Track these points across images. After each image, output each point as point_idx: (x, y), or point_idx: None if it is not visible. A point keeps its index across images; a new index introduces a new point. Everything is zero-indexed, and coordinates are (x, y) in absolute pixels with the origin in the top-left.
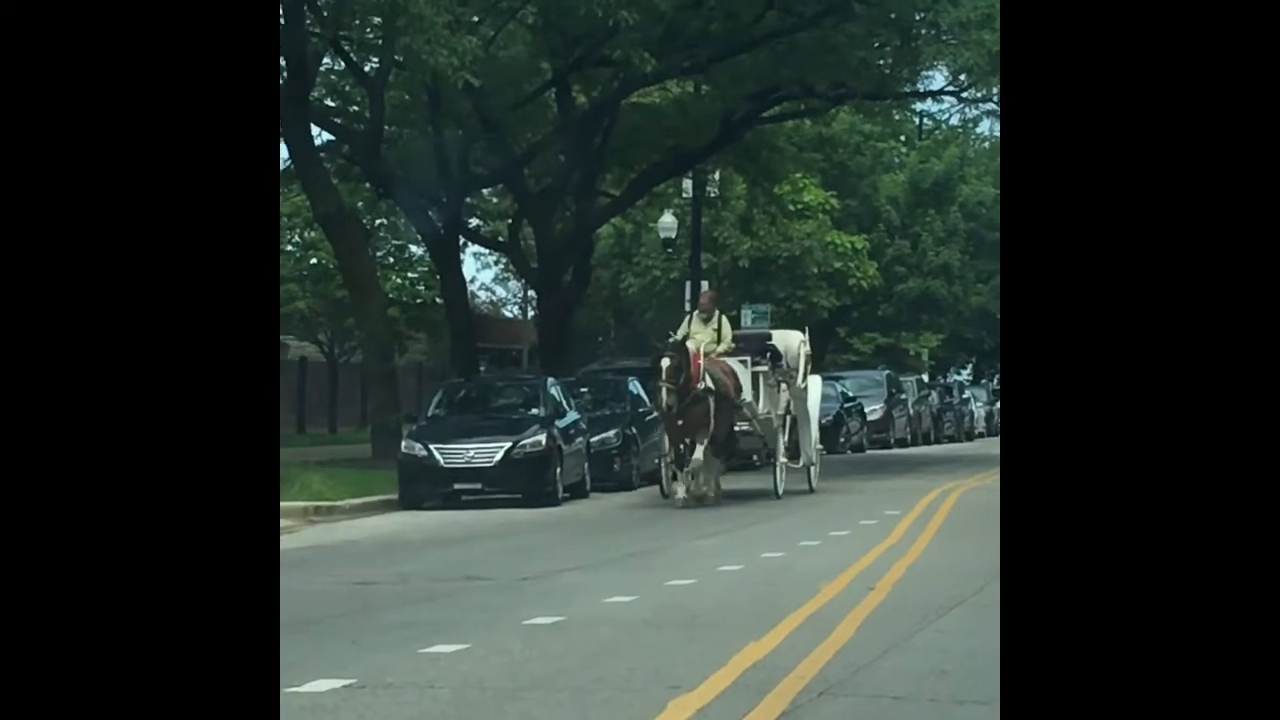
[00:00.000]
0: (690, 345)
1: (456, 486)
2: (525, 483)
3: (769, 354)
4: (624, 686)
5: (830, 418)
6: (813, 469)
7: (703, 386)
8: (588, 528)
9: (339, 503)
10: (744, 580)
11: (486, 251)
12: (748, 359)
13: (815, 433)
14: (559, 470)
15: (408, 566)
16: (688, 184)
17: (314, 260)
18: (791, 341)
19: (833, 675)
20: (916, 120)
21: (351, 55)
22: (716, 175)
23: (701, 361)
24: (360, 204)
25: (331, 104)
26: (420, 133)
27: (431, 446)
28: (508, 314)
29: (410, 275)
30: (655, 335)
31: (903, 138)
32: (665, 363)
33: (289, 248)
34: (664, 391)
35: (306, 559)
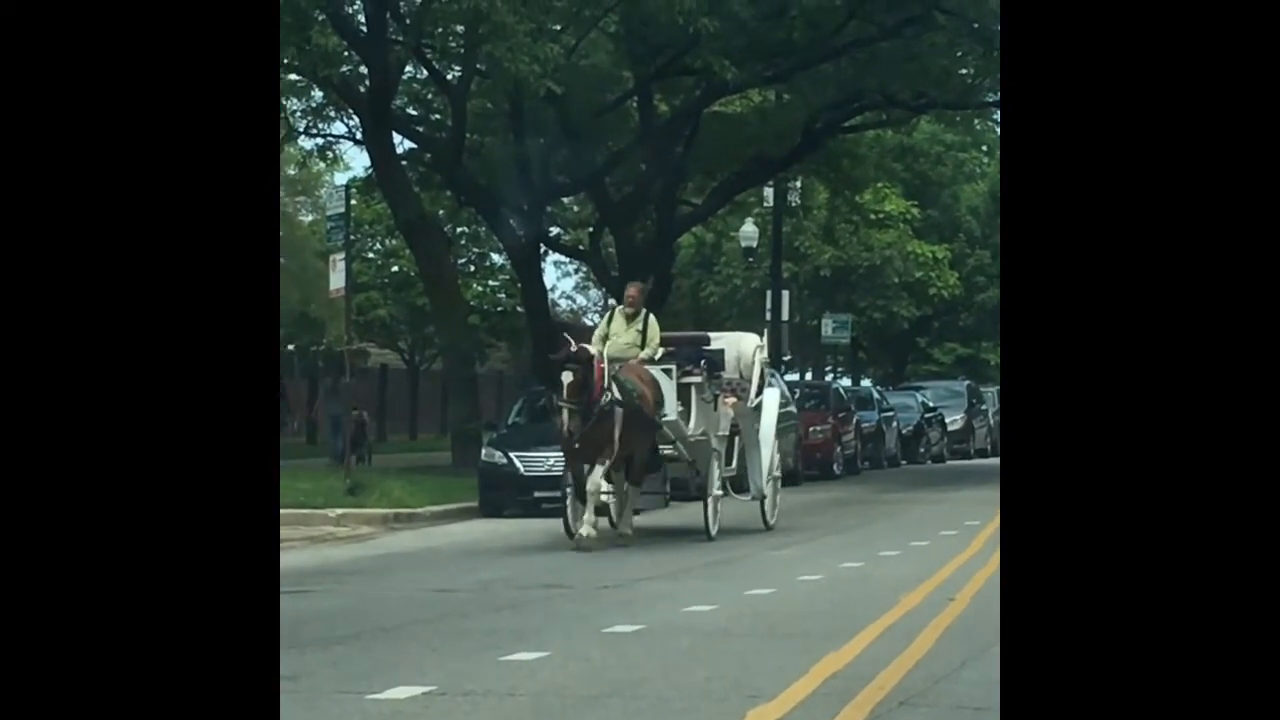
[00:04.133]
0: (593, 351)
1: (537, 494)
2: None
3: (703, 362)
4: (703, 695)
5: (911, 428)
6: (766, 502)
7: (609, 398)
8: (668, 536)
9: (419, 510)
10: (823, 590)
11: (567, 260)
12: (673, 368)
13: (768, 460)
14: None
15: (488, 574)
16: (769, 193)
17: (395, 268)
18: (745, 348)
19: (912, 685)
20: (998, 130)
21: (434, 63)
22: (798, 184)
23: (605, 367)
24: (442, 212)
25: (414, 112)
26: (502, 141)
27: (512, 454)
28: (588, 322)
29: (491, 283)
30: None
31: (984, 147)
32: (567, 378)
33: (370, 255)
34: (565, 413)
35: (387, 566)
